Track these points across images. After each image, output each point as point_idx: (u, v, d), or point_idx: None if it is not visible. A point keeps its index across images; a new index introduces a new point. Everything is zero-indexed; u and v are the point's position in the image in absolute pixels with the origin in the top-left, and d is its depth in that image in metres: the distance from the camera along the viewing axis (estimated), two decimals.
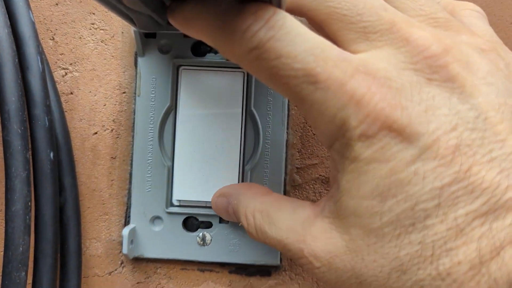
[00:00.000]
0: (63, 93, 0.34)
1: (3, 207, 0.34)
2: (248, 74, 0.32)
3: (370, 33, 0.20)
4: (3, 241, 0.34)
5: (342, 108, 0.19)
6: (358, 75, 0.19)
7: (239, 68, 0.32)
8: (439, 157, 0.18)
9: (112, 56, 0.34)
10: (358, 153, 0.19)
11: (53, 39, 0.34)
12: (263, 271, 0.34)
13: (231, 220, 0.30)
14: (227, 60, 0.32)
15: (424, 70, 0.19)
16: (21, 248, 0.28)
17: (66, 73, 0.34)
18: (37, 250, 0.30)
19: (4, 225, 0.29)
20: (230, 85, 0.32)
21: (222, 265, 0.34)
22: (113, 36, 0.34)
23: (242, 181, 0.32)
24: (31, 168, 0.29)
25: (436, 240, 0.18)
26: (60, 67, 0.34)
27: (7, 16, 0.29)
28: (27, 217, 0.28)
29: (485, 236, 0.17)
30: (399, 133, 0.18)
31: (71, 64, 0.34)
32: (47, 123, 0.30)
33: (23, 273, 0.28)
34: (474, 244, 0.17)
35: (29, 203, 0.28)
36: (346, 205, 0.20)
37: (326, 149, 0.34)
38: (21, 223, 0.28)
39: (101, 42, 0.34)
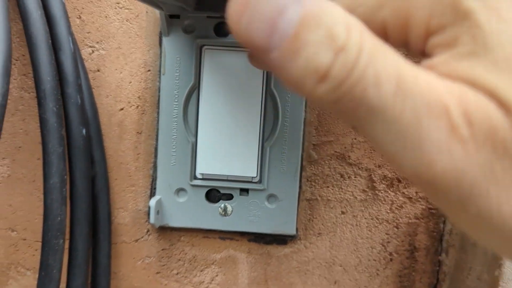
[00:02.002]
0: (90, 70, 0.36)
1: (37, 180, 0.36)
2: None
3: None
4: (37, 210, 0.36)
5: None
6: None
7: None
8: None
9: (137, 35, 0.35)
10: None
11: (80, 17, 0.35)
12: (280, 240, 0.37)
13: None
14: None
15: None
16: (59, 218, 0.30)
17: (93, 51, 0.36)
18: (72, 219, 0.32)
19: (41, 197, 0.32)
20: (251, 64, 0.33)
21: (241, 234, 0.36)
22: (137, 16, 0.35)
23: (262, 157, 0.34)
24: (66, 144, 0.31)
25: None
26: (87, 45, 0.36)
27: None
28: (64, 189, 0.30)
29: None
30: None
31: (97, 42, 0.36)
32: (79, 101, 0.32)
33: (61, 240, 0.31)
34: None
35: (65, 177, 0.31)
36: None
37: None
38: (58, 195, 0.30)
39: (126, 21, 0.35)
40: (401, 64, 0.15)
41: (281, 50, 0.15)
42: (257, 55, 0.16)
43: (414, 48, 0.18)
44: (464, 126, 0.15)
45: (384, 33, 0.18)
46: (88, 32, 0.36)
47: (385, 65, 0.15)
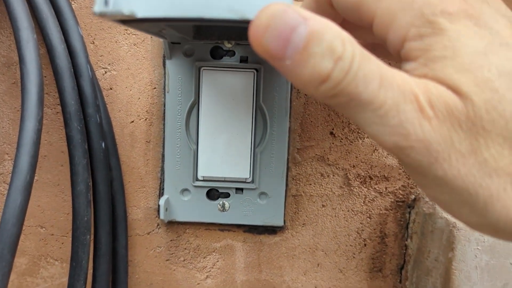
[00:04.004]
0: (104, 88, 0.41)
1: (61, 184, 0.42)
2: (257, 74, 0.39)
3: None
4: (62, 209, 0.42)
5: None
6: None
7: (251, 69, 0.39)
8: None
9: (144, 57, 0.41)
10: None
11: (93, 43, 0.41)
12: (270, 230, 0.43)
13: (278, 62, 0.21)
14: (240, 62, 0.39)
15: None
16: (85, 218, 0.36)
17: (105, 72, 0.41)
18: (96, 218, 0.38)
19: (65, 198, 0.37)
20: (242, 83, 0.39)
21: (238, 226, 0.43)
22: (143, 40, 0.41)
23: (253, 160, 0.40)
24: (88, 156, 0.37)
25: None
26: (100, 66, 0.41)
27: (61, 33, 0.36)
28: (88, 194, 0.36)
29: None
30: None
31: (109, 64, 0.41)
32: (98, 119, 0.37)
33: (88, 236, 0.37)
34: None
35: (89, 184, 0.37)
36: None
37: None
38: (84, 199, 0.36)
39: (134, 45, 0.41)
40: (382, 67, 0.20)
41: (293, 59, 0.20)
42: (273, 63, 0.21)
43: (391, 44, 0.23)
44: (429, 108, 0.20)
45: (371, 21, 0.24)
46: (101, 56, 0.41)
47: (371, 67, 0.20)
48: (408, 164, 0.22)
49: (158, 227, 0.43)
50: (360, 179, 0.42)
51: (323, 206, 0.42)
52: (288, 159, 0.41)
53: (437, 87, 0.20)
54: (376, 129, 0.21)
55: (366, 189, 0.42)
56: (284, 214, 0.42)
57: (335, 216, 0.42)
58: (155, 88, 0.41)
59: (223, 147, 0.40)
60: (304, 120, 0.41)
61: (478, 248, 0.37)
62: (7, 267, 0.29)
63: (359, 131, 0.41)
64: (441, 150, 0.20)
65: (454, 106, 0.20)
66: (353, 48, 0.20)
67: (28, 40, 0.32)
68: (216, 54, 0.40)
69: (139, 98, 0.41)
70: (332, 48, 0.20)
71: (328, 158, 0.41)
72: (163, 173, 0.42)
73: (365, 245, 0.43)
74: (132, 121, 0.42)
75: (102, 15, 0.22)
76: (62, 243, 0.43)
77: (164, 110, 0.41)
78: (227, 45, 0.39)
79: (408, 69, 0.22)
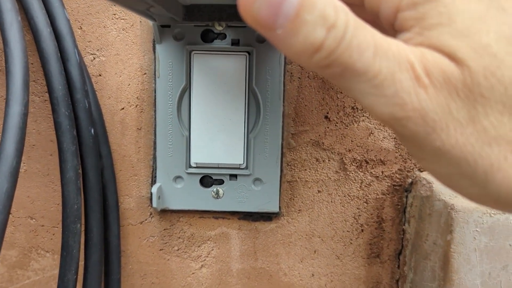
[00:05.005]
0: (93, 75, 0.40)
1: (51, 174, 0.41)
2: (249, 57, 0.38)
3: None
4: (52, 199, 0.41)
5: None
6: None
7: (242, 52, 0.38)
8: None
9: (133, 42, 0.40)
10: None
11: (81, 28, 0.40)
12: (266, 217, 0.42)
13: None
14: (232, 45, 0.38)
15: None
16: (75, 206, 0.35)
17: (94, 58, 0.40)
18: (86, 207, 0.37)
19: (55, 188, 0.37)
20: (234, 66, 0.38)
21: (232, 213, 0.42)
22: (132, 25, 0.40)
23: (247, 146, 0.40)
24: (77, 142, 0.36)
25: None
26: (88, 52, 0.40)
27: (47, 16, 0.35)
28: (78, 181, 0.36)
29: None
30: None
31: (98, 50, 0.40)
32: (87, 105, 0.36)
33: (78, 225, 0.36)
34: None
35: (79, 171, 0.36)
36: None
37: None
38: (74, 187, 0.35)
39: (123, 30, 0.40)
40: (377, 35, 0.20)
41: (285, 28, 0.19)
42: (263, 34, 0.20)
43: (384, 17, 0.22)
44: (425, 76, 0.19)
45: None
46: (89, 41, 0.40)
47: (365, 36, 0.19)
48: (404, 136, 0.21)
49: (151, 216, 0.42)
50: (356, 163, 0.41)
51: (319, 191, 0.41)
52: (282, 144, 0.40)
53: (433, 54, 0.20)
54: (371, 99, 0.20)
55: (362, 174, 0.41)
56: (279, 200, 0.41)
57: (331, 201, 0.42)
58: (145, 73, 0.40)
59: (216, 132, 0.39)
60: (298, 104, 0.40)
61: (477, 230, 0.37)
62: None
63: (354, 115, 0.40)
64: (438, 119, 0.19)
65: (450, 73, 0.19)
66: (347, 16, 0.19)
67: (12, 23, 0.31)
68: (207, 37, 0.39)
69: (129, 84, 0.40)
70: (324, 16, 0.19)
71: (323, 143, 0.41)
72: (155, 160, 0.41)
73: (362, 230, 0.42)
74: (123, 108, 0.41)
75: None
76: (53, 234, 0.42)
77: (155, 96, 0.40)
78: (218, 28, 0.38)
79: (403, 40, 0.21)
